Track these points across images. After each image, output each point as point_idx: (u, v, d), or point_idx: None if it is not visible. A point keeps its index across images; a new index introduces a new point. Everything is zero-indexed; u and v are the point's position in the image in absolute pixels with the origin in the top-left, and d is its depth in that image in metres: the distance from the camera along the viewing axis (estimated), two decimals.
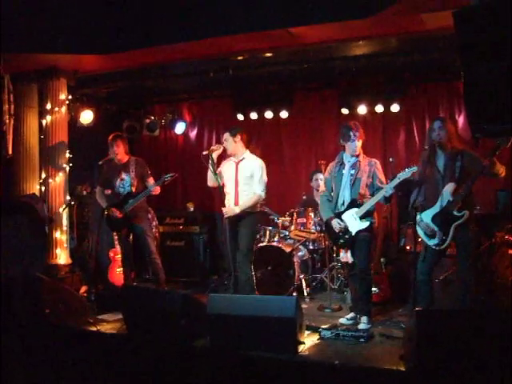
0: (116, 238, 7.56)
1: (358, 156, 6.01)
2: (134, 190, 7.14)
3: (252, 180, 6.47)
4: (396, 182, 5.62)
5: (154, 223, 7.92)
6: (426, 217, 5.50)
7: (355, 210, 5.89)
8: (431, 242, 5.48)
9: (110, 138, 7.31)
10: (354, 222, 5.90)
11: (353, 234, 5.92)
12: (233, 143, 6.51)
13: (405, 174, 5.56)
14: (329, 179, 6.24)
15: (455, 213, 5.30)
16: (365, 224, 5.86)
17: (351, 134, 5.92)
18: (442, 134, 5.48)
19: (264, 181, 6.51)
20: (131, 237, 7.43)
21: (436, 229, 5.42)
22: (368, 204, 5.83)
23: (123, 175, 7.20)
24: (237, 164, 6.56)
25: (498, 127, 4.46)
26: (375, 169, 5.97)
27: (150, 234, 7.27)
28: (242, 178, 6.49)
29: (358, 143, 5.97)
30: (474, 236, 5.51)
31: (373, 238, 6.14)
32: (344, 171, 6.05)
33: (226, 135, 6.55)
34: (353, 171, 5.98)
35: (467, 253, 5.46)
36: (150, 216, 7.65)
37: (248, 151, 6.65)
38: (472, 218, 5.40)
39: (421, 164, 5.66)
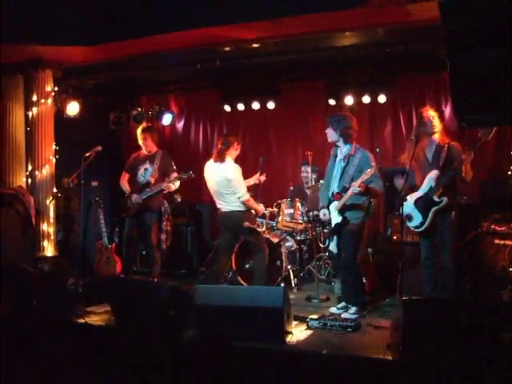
0: (103, 230, 7.56)
1: (348, 147, 5.98)
2: (153, 180, 7.30)
3: None
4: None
5: (167, 216, 7.94)
6: (411, 199, 5.72)
7: (336, 203, 5.93)
8: (411, 224, 5.78)
9: (139, 131, 7.47)
10: (334, 214, 5.99)
11: (332, 225, 6.01)
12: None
13: None
14: (327, 170, 6.30)
15: (435, 198, 5.55)
16: (339, 218, 5.90)
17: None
18: (435, 126, 5.64)
19: None
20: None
21: (417, 211, 5.66)
22: (343, 199, 5.84)
23: (147, 165, 7.39)
24: None
25: (483, 117, 4.50)
26: (364, 161, 5.84)
27: (154, 227, 7.37)
28: None
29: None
30: (455, 224, 5.65)
31: (357, 231, 5.98)
32: (336, 163, 6.10)
33: None
34: (343, 164, 6.00)
35: (447, 239, 5.66)
36: (162, 209, 7.70)
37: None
38: (453, 205, 5.59)
39: (410, 154, 5.62)
